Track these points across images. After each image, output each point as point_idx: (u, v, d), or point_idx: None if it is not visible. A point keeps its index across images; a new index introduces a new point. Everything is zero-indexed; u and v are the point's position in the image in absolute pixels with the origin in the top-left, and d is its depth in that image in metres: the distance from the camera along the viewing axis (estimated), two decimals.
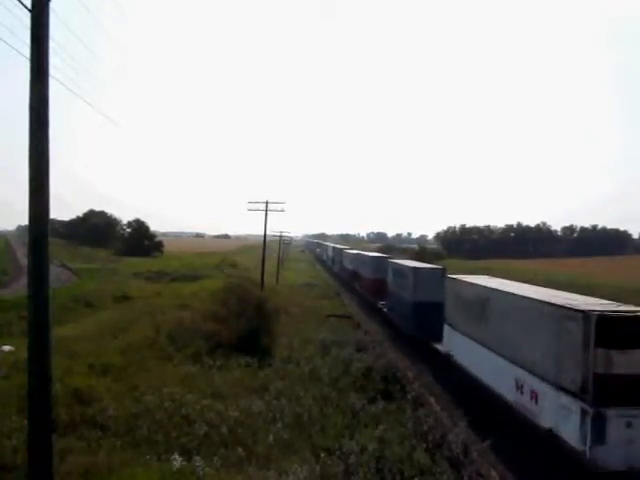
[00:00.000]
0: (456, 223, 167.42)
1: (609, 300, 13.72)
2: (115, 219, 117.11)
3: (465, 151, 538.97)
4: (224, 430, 12.45)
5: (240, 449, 11.46)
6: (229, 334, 21.76)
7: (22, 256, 69.26)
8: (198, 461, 10.61)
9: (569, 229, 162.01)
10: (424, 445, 12.30)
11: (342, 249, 69.48)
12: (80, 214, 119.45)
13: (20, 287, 38.42)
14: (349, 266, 55.86)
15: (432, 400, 17.41)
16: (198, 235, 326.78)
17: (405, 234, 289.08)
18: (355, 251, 58.14)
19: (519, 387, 14.17)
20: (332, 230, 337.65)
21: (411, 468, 10.96)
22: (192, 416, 13.22)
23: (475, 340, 17.80)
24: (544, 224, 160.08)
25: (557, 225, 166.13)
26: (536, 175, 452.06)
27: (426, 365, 21.34)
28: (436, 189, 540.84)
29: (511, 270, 66.03)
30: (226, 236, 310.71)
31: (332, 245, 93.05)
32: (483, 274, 27.10)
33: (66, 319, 26.88)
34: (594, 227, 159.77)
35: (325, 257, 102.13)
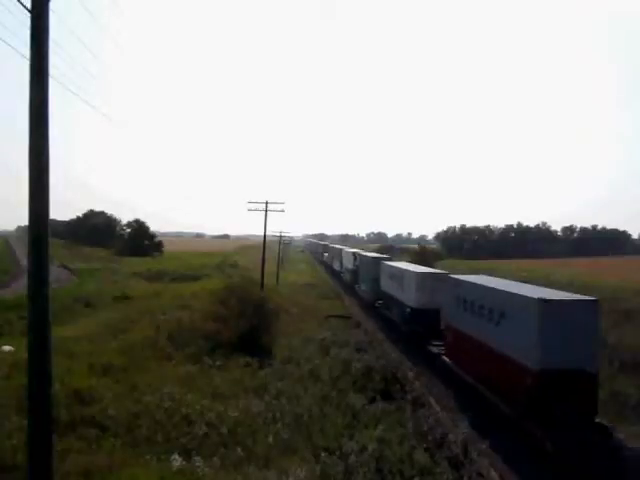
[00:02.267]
0: (456, 223, 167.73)
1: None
2: (115, 219, 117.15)
3: (465, 151, 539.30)
4: (224, 430, 12.47)
5: (240, 449, 11.48)
6: (229, 334, 21.79)
7: (22, 256, 69.26)
8: (198, 461, 10.62)
9: (569, 229, 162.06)
10: (424, 445, 12.31)
11: (378, 259, 40.24)
12: (80, 214, 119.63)
13: (20, 287, 38.39)
14: (408, 298, 27.94)
15: (432, 400, 17.43)
16: (198, 235, 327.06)
17: (405, 234, 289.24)
18: (423, 269, 30.52)
19: None
20: (332, 230, 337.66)
21: (411, 468, 10.97)
22: (192, 416, 13.23)
23: None
24: (544, 224, 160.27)
25: (557, 225, 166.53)
26: (536, 175, 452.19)
27: None
28: (436, 189, 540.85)
29: (514, 270, 66.08)
30: (226, 236, 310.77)
31: (352, 251, 57.39)
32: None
33: (66, 319, 26.86)
34: (594, 227, 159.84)
35: (339, 266, 67.63)
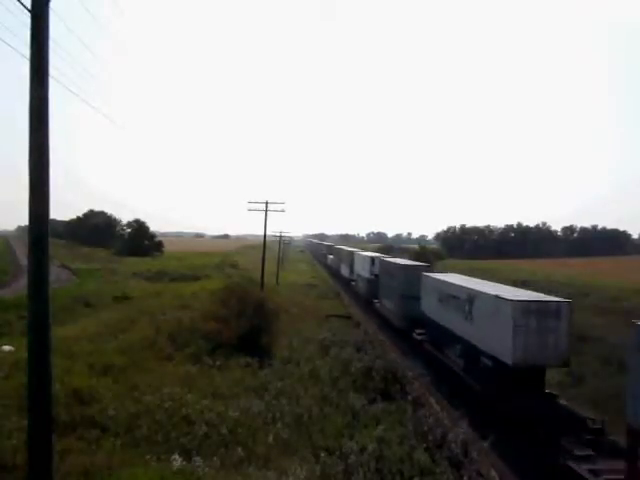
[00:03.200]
0: (456, 223, 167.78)
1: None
2: (115, 219, 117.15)
3: (465, 151, 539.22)
4: (224, 430, 12.45)
5: (240, 449, 11.47)
6: (229, 334, 21.75)
7: (22, 256, 69.24)
8: (198, 461, 10.61)
9: (569, 229, 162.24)
10: (424, 445, 12.30)
11: (416, 268, 30.34)
12: (80, 214, 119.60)
13: (20, 287, 38.39)
14: (490, 344, 17.18)
15: (432, 400, 17.42)
16: (198, 235, 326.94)
17: (405, 234, 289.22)
18: (520, 293, 18.49)
19: None
20: (332, 230, 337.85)
21: (411, 468, 10.97)
22: (192, 416, 13.22)
23: None
24: (544, 224, 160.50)
25: (557, 225, 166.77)
26: (536, 175, 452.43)
27: None
28: (436, 189, 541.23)
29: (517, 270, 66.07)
30: (226, 236, 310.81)
31: (369, 255, 46.74)
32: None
33: (66, 319, 26.85)
34: (594, 227, 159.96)
35: (348, 273, 56.57)
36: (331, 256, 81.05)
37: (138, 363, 18.40)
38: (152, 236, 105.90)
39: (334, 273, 73.31)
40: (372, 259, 42.28)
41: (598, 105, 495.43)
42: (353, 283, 51.42)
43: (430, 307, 24.64)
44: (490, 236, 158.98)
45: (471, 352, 18.61)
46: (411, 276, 28.71)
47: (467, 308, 19.34)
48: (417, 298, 26.42)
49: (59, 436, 10.41)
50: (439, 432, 13.11)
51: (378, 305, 36.22)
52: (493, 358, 16.57)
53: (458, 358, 20.27)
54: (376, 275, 38.69)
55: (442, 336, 22.37)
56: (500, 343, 16.11)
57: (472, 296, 19.15)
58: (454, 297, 21.06)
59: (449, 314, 21.55)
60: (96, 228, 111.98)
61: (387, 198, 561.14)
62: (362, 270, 45.45)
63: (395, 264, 33.15)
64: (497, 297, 16.81)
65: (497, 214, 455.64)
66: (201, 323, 23.90)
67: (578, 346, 21.08)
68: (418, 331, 25.89)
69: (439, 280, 24.04)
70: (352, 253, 55.92)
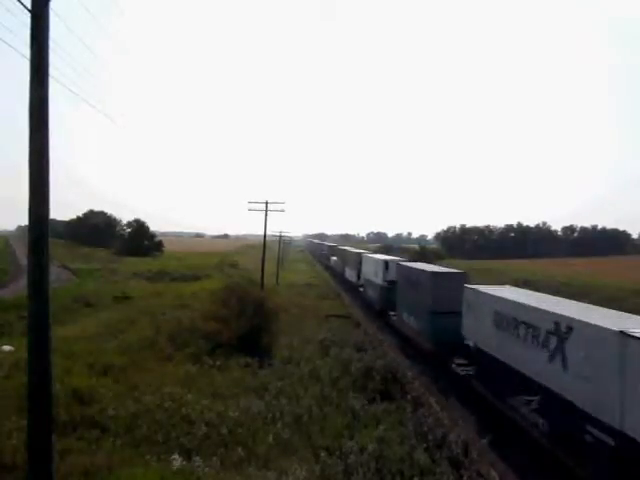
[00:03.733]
0: (456, 223, 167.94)
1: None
2: (115, 219, 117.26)
3: (465, 151, 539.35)
4: (224, 430, 12.45)
5: (240, 449, 11.47)
6: (229, 334, 21.76)
7: (22, 256, 69.22)
8: (198, 461, 10.62)
9: (569, 229, 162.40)
10: (424, 445, 12.29)
11: (455, 277, 23.43)
12: (80, 214, 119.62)
13: (20, 287, 38.42)
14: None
15: (432, 400, 17.41)
16: (198, 235, 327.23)
17: (405, 234, 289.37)
18: None
19: None
20: (332, 230, 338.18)
21: (411, 468, 10.97)
22: (192, 416, 13.22)
23: None
24: (544, 224, 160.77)
25: (557, 225, 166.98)
26: (536, 175, 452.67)
27: None
28: (436, 189, 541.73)
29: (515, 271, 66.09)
30: (225, 236, 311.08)
31: (381, 258, 38.83)
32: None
33: (66, 319, 26.87)
34: (594, 227, 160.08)
35: (354, 277, 50.07)
36: (334, 257, 73.74)
37: (138, 363, 18.40)
38: (152, 236, 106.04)
39: (338, 276, 66.66)
40: (386, 263, 34.95)
41: (598, 105, 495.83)
42: (361, 289, 44.65)
43: (479, 332, 18.24)
44: (490, 236, 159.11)
45: (563, 412, 12.21)
46: (445, 287, 22.64)
47: (554, 344, 12.92)
48: (454, 314, 20.56)
49: (59, 436, 10.41)
50: (439, 432, 13.10)
51: (395, 319, 30.19)
52: (618, 433, 10.00)
53: (535, 415, 13.70)
54: (391, 282, 32.61)
55: (501, 375, 15.85)
56: (635, 414, 9.68)
57: (565, 326, 12.54)
58: (527, 325, 14.48)
59: (517, 348, 14.95)
60: (96, 228, 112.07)
61: (387, 198, 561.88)
62: (373, 276, 38.60)
63: (420, 270, 26.20)
64: (627, 335, 10.06)
65: (497, 214, 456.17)
66: (201, 323, 23.91)
67: None
68: (458, 361, 19.59)
69: (498, 297, 16.97)
70: (359, 255, 48.62)
